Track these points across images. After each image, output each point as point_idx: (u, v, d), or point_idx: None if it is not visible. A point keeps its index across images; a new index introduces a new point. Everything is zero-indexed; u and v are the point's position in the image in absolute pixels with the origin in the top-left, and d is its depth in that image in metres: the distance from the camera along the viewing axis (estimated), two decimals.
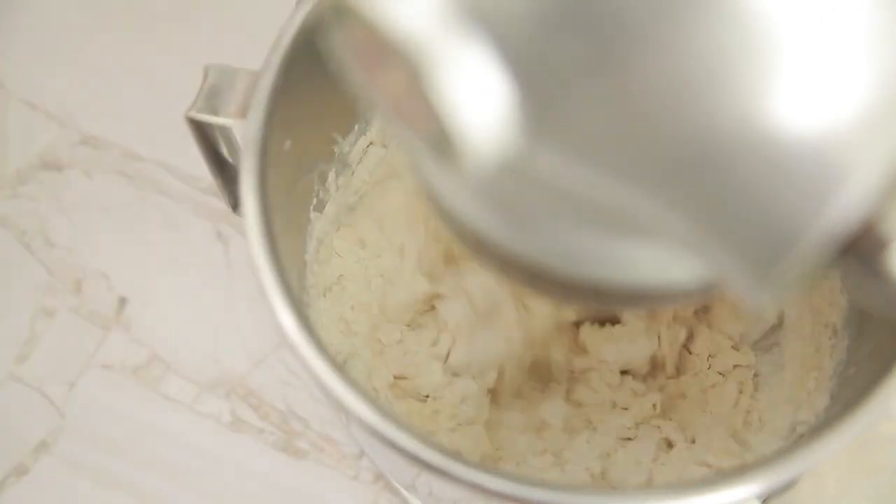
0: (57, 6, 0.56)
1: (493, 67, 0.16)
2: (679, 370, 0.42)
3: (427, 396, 0.41)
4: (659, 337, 0.41)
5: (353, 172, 0.41)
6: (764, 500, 0.28)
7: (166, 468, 0.45)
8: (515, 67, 0.16)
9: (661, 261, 0.20)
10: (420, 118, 0.17)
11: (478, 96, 0.16)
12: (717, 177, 0.16)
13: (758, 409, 0.40)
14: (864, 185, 0.16)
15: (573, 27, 0.16)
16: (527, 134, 0.17)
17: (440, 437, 0.39)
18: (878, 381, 0.28)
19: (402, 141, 0.24)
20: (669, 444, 0.40)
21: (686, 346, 0.42)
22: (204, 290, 0.48)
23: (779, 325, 0.42)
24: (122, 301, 0.48)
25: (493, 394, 0.41)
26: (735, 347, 0.42)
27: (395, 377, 0.41)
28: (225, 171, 0.36)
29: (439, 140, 0.17)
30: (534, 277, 0.22)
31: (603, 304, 0.30)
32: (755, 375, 0.41)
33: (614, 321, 0.41)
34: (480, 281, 0.40)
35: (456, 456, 0.27)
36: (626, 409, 0.41)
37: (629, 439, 0.40)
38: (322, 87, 0.32)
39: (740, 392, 0.41)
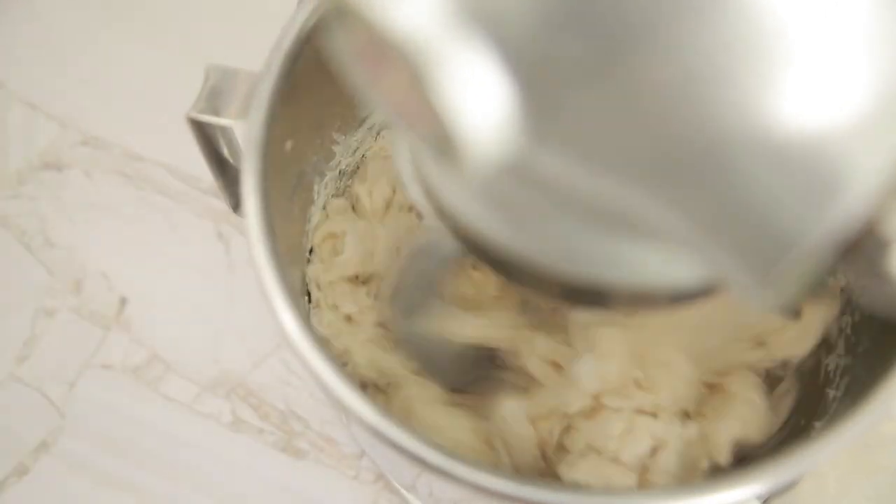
0: (57, 7, 0.56)
1: (495, 67, 0.16)
2: None
3: None
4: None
5: (353, 172, 0.41)
6: (764, 501, 0.28)
7: (166, 468, 0.45)
8: (517, 67, 0.16)
9: (662, 261, 0.20)
10: (421, 119, 0.17)
11: (479, 97, 0.16)
12: (719, 177, 0.16)
13: None
14: (866, 185, 0.16)
15: (576, 27, 0.16)
16: (528, 134, 0.17)
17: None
18: (878, 381, 0.28)
19: (401, 140, 0.24)
20: None
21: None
22: (204, 290, 0.48)
23: None
24: (123, 301, 0.48)
25: None
26: None
27: None
28: (226, 172, 0.36)
29: (441, 141, 0.17)
30: (534, 278, 0.22)
31: (603, 305, 0.30)
32: None
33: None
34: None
35: (456, 456, 0.27)
36: None
37: None
38: (323, 87, 0.32)
39: None
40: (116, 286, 0.49)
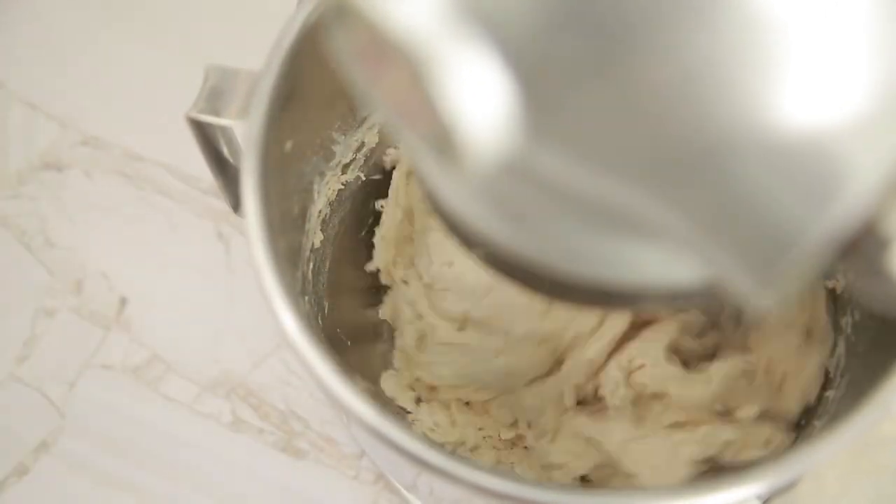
0: (58, 7, 0.56)
1: (495, 67, 0.16)
2: None
3: None
4: None
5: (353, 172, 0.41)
6: (764, 501, 0.28)
7: (166, 468, 0.45)
8: (517, 67, 0.16)
9: (661, 261, 0.20)
10: (421, 118, 0.17)
11: (479, 96, 0.16)
12: (719, 176, 0.16)
13: None
14: (866, 184, 0.16)
15: (576, 27, 0.16)
16: (529, 133, 0.17)
17: None
18: (878, 381, 0.28)
19: (403, 140, 0.24)
20: None
21: None
22: (204, 290, 0.48)
23: None
24: (123, 301, 0.48)
25: None
26: None
27: None
28: (226, 172, 0.36)
29: (441, 140, 0.17)
30: (533, 278, 0.22)
31: (603, 305, 0.30)
32: None
33: None
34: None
35: (456, 457, 0.27)
36: None
37: None
38: (323, 87, 0.32)
39: None
40: (116, 286, 0.49)
